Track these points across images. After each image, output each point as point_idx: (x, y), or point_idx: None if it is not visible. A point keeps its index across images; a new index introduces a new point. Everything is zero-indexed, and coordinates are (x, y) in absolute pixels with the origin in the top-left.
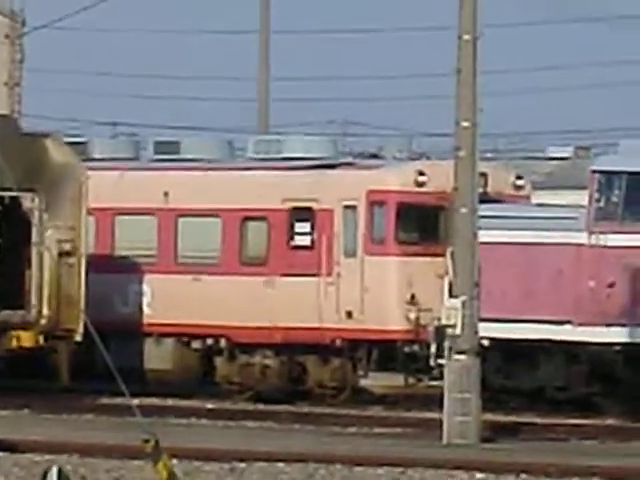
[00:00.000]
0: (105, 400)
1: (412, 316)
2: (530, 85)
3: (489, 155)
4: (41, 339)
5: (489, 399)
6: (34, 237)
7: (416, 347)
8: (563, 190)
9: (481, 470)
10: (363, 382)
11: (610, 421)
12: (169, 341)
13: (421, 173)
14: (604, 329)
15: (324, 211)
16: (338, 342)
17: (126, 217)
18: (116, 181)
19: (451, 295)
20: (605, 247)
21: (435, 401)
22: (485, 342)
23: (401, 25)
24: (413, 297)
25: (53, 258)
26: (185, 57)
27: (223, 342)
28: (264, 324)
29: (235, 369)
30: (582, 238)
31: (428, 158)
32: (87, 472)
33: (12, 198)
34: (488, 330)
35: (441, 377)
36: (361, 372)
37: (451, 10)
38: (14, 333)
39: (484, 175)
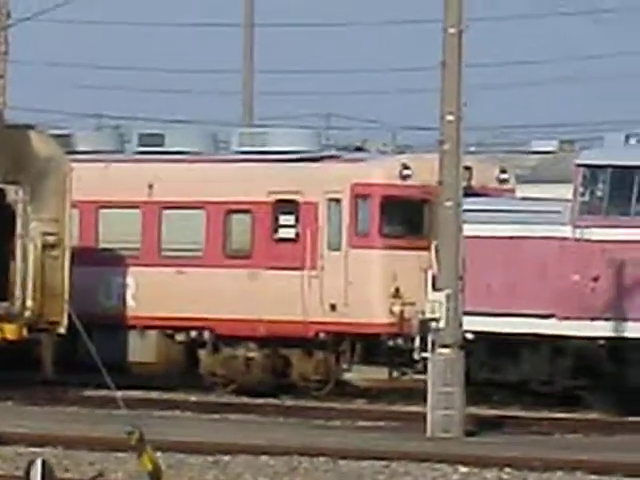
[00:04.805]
0: (89, 392)
1: (396, 309)
2: (514, 78)
3: (473, 149)
4: (25, 331)
5: (473, 393)
6: (18, 229)
7: (400, 340)
8: (547, 184)
9: (464, 464)
10: (347, 375)
11: (594, 415)
12: (153, 334)
13: (406, 166)
14: (588, 323)
15: (308, 204)
16: (322, 335)
17: (110, 210)
18: (100, 173)
19: (435, 289)
20: (589, 241)
21: (419, 395)
22: (469, 336)
23: (386, 18)
24: (397, 290)
25: (37, 250)
26: (169, 50)
27: (207, 335)
28: (248, 317)
29: (219, 362)
30: (566, 232)
31: (413, 151)
32: (71, 464)
33: None
34: (472, 324)
35: (425, 371)
36: (345, 365)
37: (436, 3)
38: None
39: (469, 169)
